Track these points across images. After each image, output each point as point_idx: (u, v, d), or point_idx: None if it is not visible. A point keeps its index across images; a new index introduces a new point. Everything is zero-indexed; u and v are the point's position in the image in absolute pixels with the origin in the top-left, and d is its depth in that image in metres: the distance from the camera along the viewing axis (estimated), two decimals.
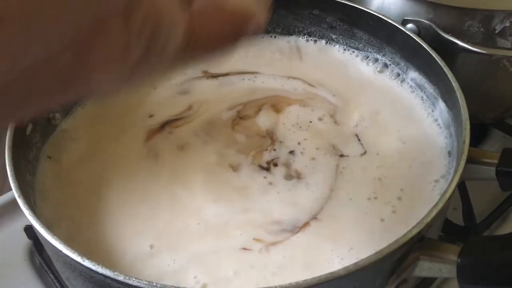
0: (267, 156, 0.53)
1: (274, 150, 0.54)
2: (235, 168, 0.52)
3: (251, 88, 0.61)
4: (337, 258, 0.45)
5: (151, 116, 0.58)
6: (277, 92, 0.60)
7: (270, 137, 0.55)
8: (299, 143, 0.54)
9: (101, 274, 0.38)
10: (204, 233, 0.47)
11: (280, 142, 0.54)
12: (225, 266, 0.44)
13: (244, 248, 0.45)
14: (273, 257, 0.45)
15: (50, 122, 0.56)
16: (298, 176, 0.51)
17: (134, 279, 0.37)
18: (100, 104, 0.60)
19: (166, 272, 0.44)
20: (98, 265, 0.38)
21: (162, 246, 0.46)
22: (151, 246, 0.46)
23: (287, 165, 0.52)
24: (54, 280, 0.57)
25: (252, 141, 0.55)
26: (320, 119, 0.57)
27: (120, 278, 0.37)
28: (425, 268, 0.41)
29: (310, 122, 0.56)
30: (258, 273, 0.44)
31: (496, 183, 0.48)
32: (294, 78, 0.62)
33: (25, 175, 0.49)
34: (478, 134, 0.71)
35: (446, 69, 0.52)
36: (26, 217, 0.43)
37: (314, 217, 0.48)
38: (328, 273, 0.37)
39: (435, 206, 0.41)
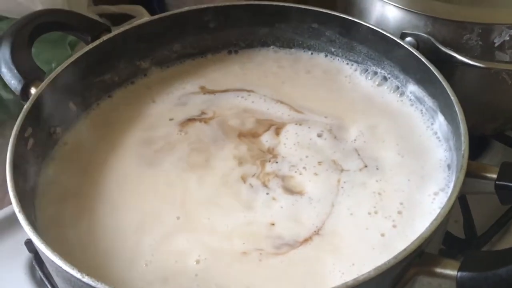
0: (269, 168, 0.53)
1: (276, 163, 0.54)
2: (244, 180, 0.53)
3: (242, 107, 0.61)
4: (338, 273, 0.45)
5: (151, 126, 0.59)
6: (266, 115, 0.60)
7: (272, 153, 0.55)
8: (301, 159, 0.54)
9: None
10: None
11: (283, 157, 0.55)
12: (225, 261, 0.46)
13: (245, 252, 0.46)
14: (272, 263, 0.46)
15: (51, 136, 0.56)
16: (301, 191, 0.51)
17: None
18: (100, 117, 0.60)
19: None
20: (98, 281, 0.38)
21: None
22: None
23: (289, 179, 0.52)
24: None
25: (255, 154, 0.55)
26: (319, 136, 0.57)
27: None
28: (424, 283, 0.41)
29: (310, 139, 0.56)
30: (256, 274, 0.45)
31: (496, 196, 0.48)
32: (282, 103, 0.61)
33: (25, 190, 0.49)
34: (479, 146, 0.71)
35: (444, 83, 0.52)
36: None
37: (316, 233, 0.48)
38: None
39: (434, 220, 0.41)
